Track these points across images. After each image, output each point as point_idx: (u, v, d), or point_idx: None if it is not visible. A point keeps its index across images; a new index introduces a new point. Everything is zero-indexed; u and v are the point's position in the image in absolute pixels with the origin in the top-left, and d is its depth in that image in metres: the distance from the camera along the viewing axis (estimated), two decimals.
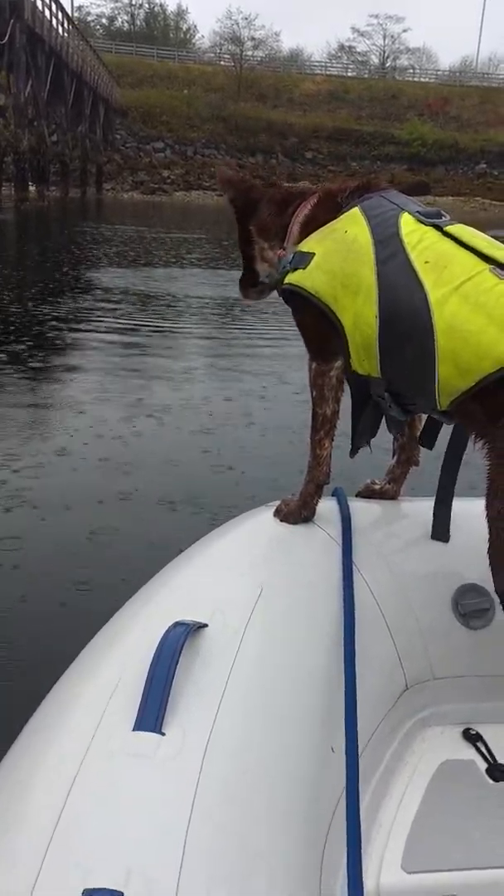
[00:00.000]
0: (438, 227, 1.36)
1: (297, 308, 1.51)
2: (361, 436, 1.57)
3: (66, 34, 34.04)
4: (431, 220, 1.37)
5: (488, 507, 1.23)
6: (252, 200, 1.64)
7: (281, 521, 1.54)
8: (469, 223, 1.42)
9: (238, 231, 1.68)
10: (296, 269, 1.46)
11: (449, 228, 1.35)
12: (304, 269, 1.45)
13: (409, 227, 1.36)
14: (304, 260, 1.45)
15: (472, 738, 1.47)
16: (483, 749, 1.45)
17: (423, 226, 1.36)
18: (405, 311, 1.30)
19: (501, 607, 1.29)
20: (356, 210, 1.43)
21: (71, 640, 1.35)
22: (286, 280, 1.49)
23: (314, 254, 1.44)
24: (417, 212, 1.39)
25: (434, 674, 1.48)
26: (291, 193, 1.62)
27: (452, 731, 1.49)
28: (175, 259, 15.04)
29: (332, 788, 1.13)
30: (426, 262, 1.30)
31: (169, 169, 46.15)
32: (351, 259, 1.38)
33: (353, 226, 1.41)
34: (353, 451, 1.59)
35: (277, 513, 1.55)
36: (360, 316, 1.37)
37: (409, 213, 1.39)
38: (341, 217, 1.45)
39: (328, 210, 1.50)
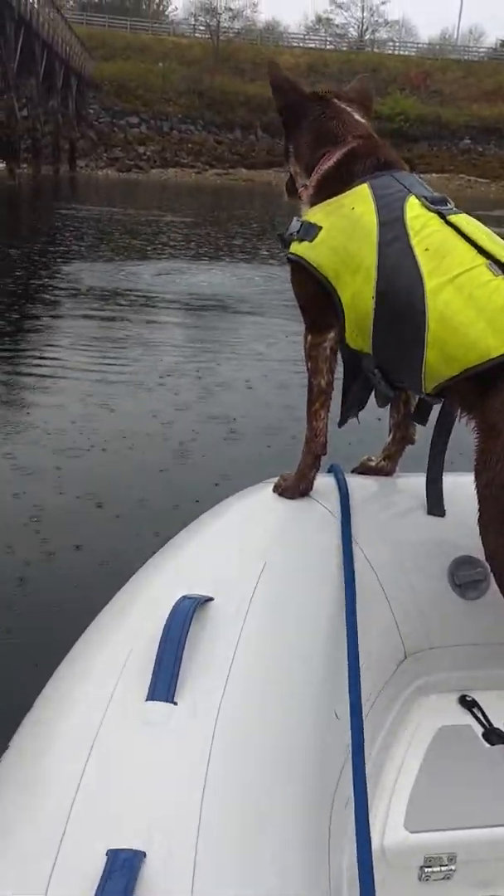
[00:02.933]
0: (442, 215, 1.39)
1: (298, 278, 1.54)
2: (350, 407, 1.63)
3: (35, 1, 32.61)
4: (436, 206, 1.41)
5: (477, 478, 1.29)
6: (296, 117, 1.64)
7: (280, 495, 1.56)
8: (455, 201, 1.45)
9: (284, 136, 1.70)
10: (302, 241, 1.49)
11: (452, 217, 1.39)
12: (310, 241, 1.47)
13: (415, 212, 1.39)
14: (310, 232, 1.47)
15: (469, 704, 1.52)
16: (479, 714, 1.49)
17: (427, 212, 1.40)
18: (401, 295, 1.35)
19: (493, 575, 1.33)
20: (365, 187, 1.46)
21: None
22: (292, 249, 1.52)
23: (321, 227, 1.47)
24: (424, 196, 1.43)
25: (431, 643, 1.52)
26: (327, 131, 1.58)
27: (449, 697, 1.54)
28: (161, 249, 14.14)
29: (337, 753, 1.17)
30: (426, 250, 1.34)
31: (144, 145, 45.45)
32: (355, 238, 1.41)
33: (360, 203, 1.44)
34: (342, 422, 1.65)
35: (276, 488, 1.58)
36: (358, 294, 1.41)
37: (416, 196, 1.42)
38: (350, 192, 1.47)
39: (343, 176, 1.51)
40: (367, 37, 62.25)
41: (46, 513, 3.58)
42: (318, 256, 1.46)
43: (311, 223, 1.49)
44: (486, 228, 1.39)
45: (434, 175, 44.30)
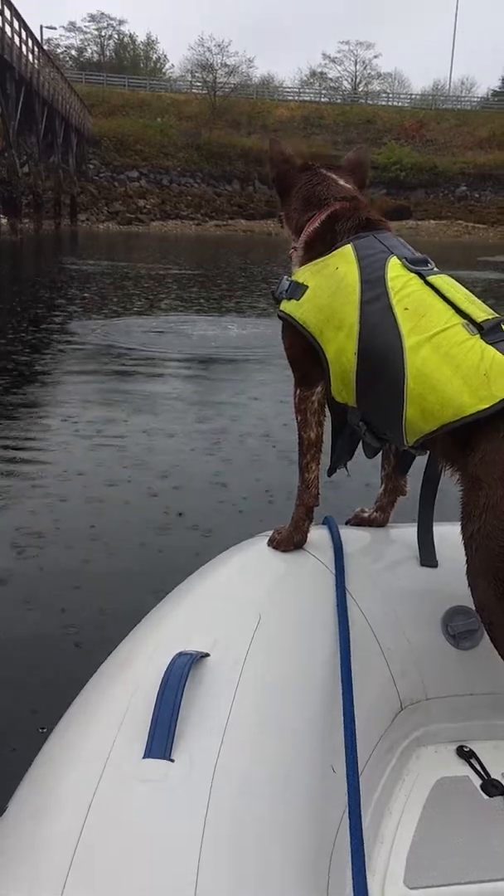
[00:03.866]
0: (422, 275, 1.45)
1: (287, 334, 1.60)
2: (339, 458, 1.68)
3: (36, 62, 33.34)
4: (417, 267, 1.47)
5: (463, 529, 1.31)
6: (287, 186, 1.74)
7: (274, 548, 1.60)
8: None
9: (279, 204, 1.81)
10: (290, 299, 1.56)
11: (431, 278, 1.44)
12: (297, 300, 1.54)
13: (395, 272, 1.45)
14: (297, 291, 1.55)
15: (466, 755, 1.52)
16: (477, 765, 1.49)
17: (408, 272, 1.45)
18: (381, 352, 1.40)
19: (483, 623, 1.35)
20: (349, 248, 1.52)
21: None
22: (281, 307, 1.59)
23: (307, 287, 1.53)
24: (405, 258, 1.49)
25: (427, 694, 1.52)
26: (312, 196, 1.68)
27: (446, 748, 1.54)
28: (169, 302, 13.51)
29: (335, 807, 1.17)
30: (406, 309, 1.40)
31: (144, 198, 46.42)
32: (338, 297, 1.47)
33: (344, 263, 1.50)
34: (331, 471, 1.70)
35: (271, 542, 1.61)
36: (341, 350, 1.47)
37: (398, 257, 1.48)
38: (335, 253, 1.54)
39: (328, 237, 1.59)
40: (360, 89, 63.98)
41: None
42: (304, 314, 1.52)
43: (298, 283, 1.56)
44: (464, 289, 1.45)
45: (432, 222, 45.15)
